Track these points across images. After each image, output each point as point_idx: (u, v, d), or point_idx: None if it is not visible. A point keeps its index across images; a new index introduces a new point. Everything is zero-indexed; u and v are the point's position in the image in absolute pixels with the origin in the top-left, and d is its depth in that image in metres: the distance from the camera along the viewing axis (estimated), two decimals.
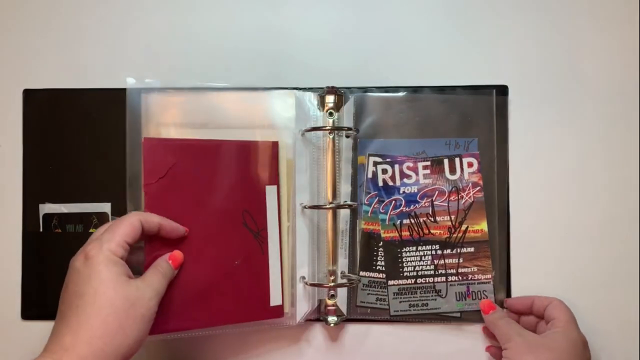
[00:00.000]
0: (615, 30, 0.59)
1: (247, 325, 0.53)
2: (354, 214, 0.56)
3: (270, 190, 0.54)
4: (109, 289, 0.42)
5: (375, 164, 0.56)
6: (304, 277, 0.55)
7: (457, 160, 0.56)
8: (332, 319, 0.55)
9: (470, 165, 0.56)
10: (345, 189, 0.56)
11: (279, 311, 0.53)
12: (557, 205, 0.58)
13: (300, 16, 0.60)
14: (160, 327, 0.47)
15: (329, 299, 0.55)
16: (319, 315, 0.56)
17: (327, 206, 0.54)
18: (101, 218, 0.57)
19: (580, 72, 0.58)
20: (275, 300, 0.53)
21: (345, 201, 0.56)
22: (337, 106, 0.56)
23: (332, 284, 0.54)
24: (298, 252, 0.54)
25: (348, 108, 0.56)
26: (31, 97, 0.58)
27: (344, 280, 0.55)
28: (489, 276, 0.56)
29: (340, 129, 0.55)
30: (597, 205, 0.58)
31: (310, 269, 0.55)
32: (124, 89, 0.57)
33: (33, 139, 0.58)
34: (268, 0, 0.60)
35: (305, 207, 0.55)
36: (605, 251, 0.57)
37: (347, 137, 0.56)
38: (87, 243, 0.46)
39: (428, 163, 0.56)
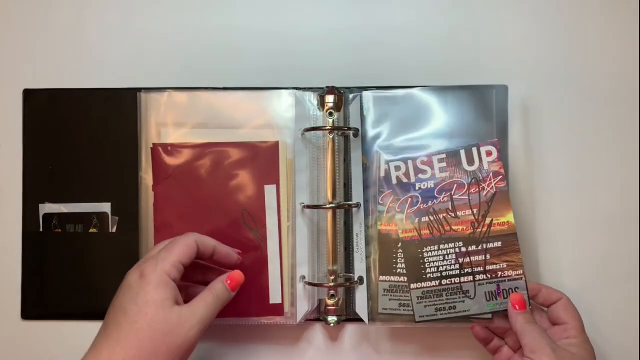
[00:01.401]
0: (618, 29, 0.59)
1: (246, 320, 0.54)
2: (364, 214, 0.55)
3: (270, 190, 0.54)
4: (152, 312, 0.42)
5: (387, 161, 0.54)
6: (304, 277, 0.55)
7: (474, 150, 0.52)
8: (332, 319, 0.55)
9: (489, 154, 0.52)
10: (356, 189, 0.55)
11: (278, 309, 0.54)
12: (558, 205, 0.58)
13: (300, 16, 0.60)
14: None
15: (329, 298, 0.55)
16: (319, 315, 0.56)
17: (327, 206, 0.54)
18: (101, 218, 0.57)
19: (583, 68, 0.58)
20: (274, 298, 0.53)
21: (359, 202, 0.55)
22: (337, 106, 0.56)
23: (332, 284, 0.54)
24: (298, 251, 0.54)
25: (355, 107, 0.55)
26: (31, 97, 0.58)
27: (356, 278, 0.55)
28: (521, 272, 0.51)
29: (340, 129, 0.55)
30: (596, 204, 0.58)
31: (310, 268, 0.55)
32: (124, 89, 0.57)
33: (33, 139, 0.58)
34: (268, 0, 0.60)
35: (305, 207, 0.55)
36: (610, 248, 0.57)
37: (355, 136, 0.55)
38: (144, 259, 0.46)
39: (443, 156, 0.53)
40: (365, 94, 0.55)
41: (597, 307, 0.56)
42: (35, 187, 0.57)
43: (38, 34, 0.60)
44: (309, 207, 0.54)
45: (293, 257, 0.54)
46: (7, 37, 0.60)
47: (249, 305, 0.53)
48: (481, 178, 0.52)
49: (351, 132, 0.55)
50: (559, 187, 0.58)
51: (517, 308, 0.49)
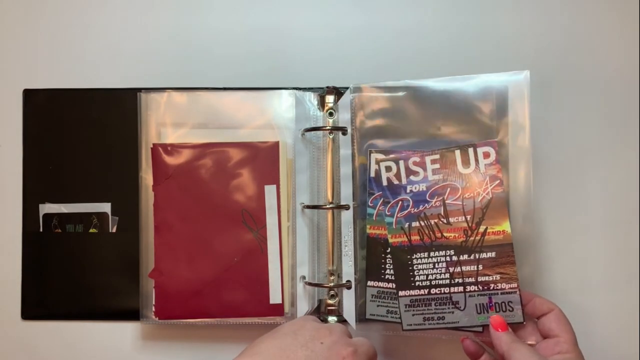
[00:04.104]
0: (619, 29, 0.59)
1: (246, 320, 0.54)
2: (360, 216, 0.53)
3: (270, 190, 0.54)
4: None
5: (378, 161, 0.52)
6: (304, 277, 0.55)
7: (470, 150, 0.49)
8: (332, 319, 0.55)
9: (486, 155, 0.49)
10: (345, 190, 0.53)
11: (279, 309, 0.54)
12: (558, 205, 0.57)
13: (300, 16, 0.60)
14: (164, 313, 0.53)
15: (329, 298, 0.55)
16: (319, 315, 0.56)
17: (327, 206, 0.54)
18: (101, 218, 0.57)
19: (585, 65, 0.58)
20: (274, 298, 0.53)
21: (347, 204, 0.53)
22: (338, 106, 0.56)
23: (332, 284, 0.54)
24: (298, 251, 0.54)
25: (344, 102, 0.54)
26: (31, 97, 0.58)
27: (344, 281, 0.55)
28: (515, 285, 0.48)
29: (340, 128, 0.55)
30: (597, 204, 0.58)
31: (310, 268, 0.55)
32: (124, 89, 0.57)
33: (33, 139, 0.58)
34: (268, 0, 0.60)
35: (305, 206, 0.54)
36: (607, 250, 0.57)
37: (344, 134, 0.54)
38: (343, 338, 0.45)
39: (437, 157, 0.50)
40: (355, 88, 0.53)
41: (598, 316, 0.56)
42: (35, 187, 0.57)
43: (38, 34, 0.60)
44: (309, 207, 0.54)
45: (293, 257, 0.54)
46: (7, 37, 0.60)
47: (249, 305, 0.53)
48: (476, 182, 0.50)
49: (347, 129, 0.54)
50: (560, 193, 0.57)
51: (500, 330, 0.47)
